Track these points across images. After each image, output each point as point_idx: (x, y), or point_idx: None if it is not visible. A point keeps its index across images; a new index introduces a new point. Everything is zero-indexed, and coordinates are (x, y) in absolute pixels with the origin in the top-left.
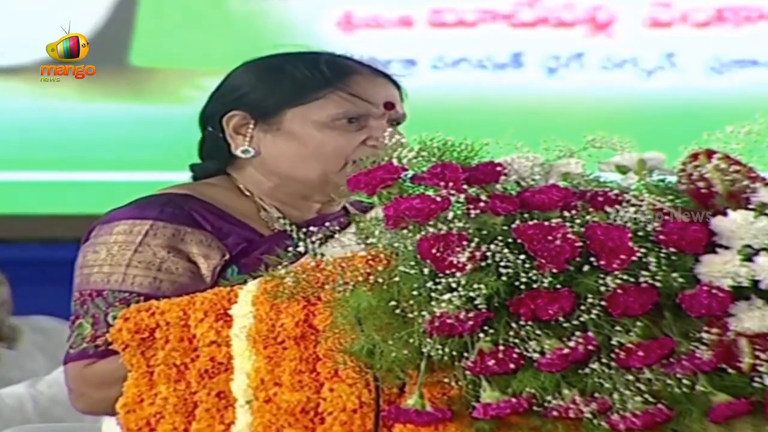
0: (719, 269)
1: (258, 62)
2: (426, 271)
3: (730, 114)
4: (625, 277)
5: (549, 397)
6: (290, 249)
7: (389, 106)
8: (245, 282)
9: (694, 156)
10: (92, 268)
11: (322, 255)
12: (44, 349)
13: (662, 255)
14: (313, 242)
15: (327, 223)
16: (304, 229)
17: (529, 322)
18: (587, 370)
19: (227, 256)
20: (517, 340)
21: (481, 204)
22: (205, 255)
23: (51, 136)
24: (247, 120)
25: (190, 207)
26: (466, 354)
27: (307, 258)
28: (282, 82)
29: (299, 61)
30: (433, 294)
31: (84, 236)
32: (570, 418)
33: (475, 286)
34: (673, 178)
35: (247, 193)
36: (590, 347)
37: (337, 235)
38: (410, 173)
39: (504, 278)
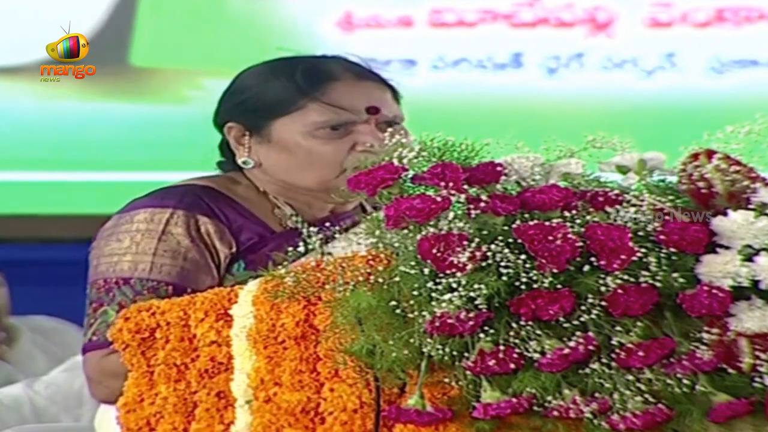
0: (720, 269)
1: (256, 68)
2: (426, 271)
3: (730, 114)
4: (625, 277)
5: (549, 397)
6: (297, 247)
7: (373, 110)
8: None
9: (695, 156)
10: (116, 257)
11: (330, 254)
12: (44, 349)
13: (663, 255)
14: (321, 240)
15: (341, 222)
16: (313, 227)
17: (530, 322)
18: (587, 370)
19: (234, 249)
20: (517, 340)
21: (482, 204)
22: (221, 244)
23: (51, 136)
24: (242, 131)
25: (208, 198)
26: (466, 354)
27: (312, 256)
28: (267, 93)
29: (280, 70)
30: (433, 294)
31: (100, 227)
32: (570, 418)
33: (476, 286)
34: (674, 179)
35: (262, 191)
36: (590, 347)
37: (345, 234)
38: (411, 173)
39: (504, 278)
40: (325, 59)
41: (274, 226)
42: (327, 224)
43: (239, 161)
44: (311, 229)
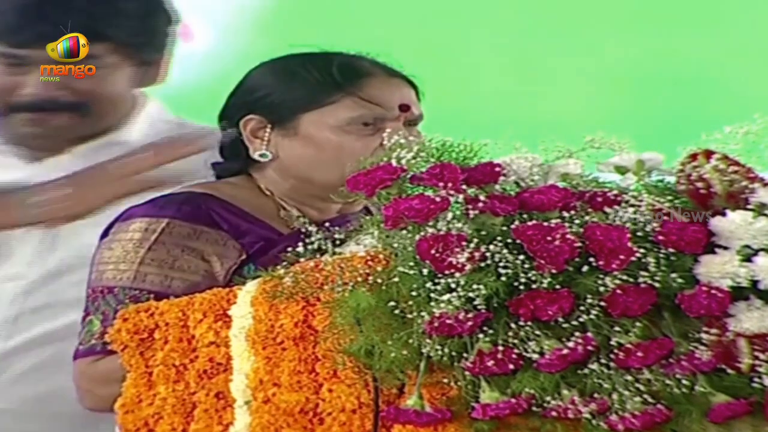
0: (718, 270)
1: (275, 63)
2: (425, 271)
3: None
4: (624, 277)
5: (548, 398)
6: (307, 247)
7: (404, 108)
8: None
9: (693, 156)
10: (106, 265)
11: (341, 254)
12: None
13: (661, 255)
14: (333, 242)
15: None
16: (322, 228)
17: (529, 323)
18: (586, 371)
19: (244, 256)
20: (516, 341)
21: (480, 204)
22: (220, 254)
23: None
24: (263, 124)
25: (208, 206)
26: (465, 354)
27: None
28: (296, 86)
29: (312, 64)
30: (432, 294)
31: (102, 233)
32: (569, 419)
33: (475, 286)
34: (672, 179)
35: (268, 193)
36: (589, 348)
37: (356, 235)
38: (409, 174)
39: (503, 279)
40: (354, 56)
41: (280, 229)
42: (336, 226)
43: (256, 154)
44: (319, 230)
